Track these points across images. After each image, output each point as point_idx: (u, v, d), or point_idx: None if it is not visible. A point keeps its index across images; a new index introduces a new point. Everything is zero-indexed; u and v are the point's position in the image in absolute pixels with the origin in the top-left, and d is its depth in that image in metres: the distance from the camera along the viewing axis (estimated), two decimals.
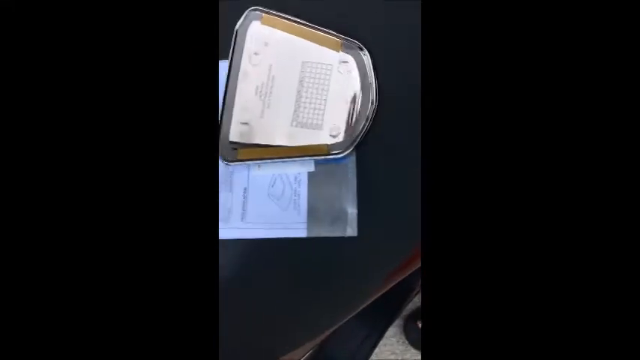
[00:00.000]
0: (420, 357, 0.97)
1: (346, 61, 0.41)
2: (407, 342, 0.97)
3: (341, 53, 0.41)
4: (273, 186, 0.41)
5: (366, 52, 0.41)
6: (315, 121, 0.41)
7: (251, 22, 0.42)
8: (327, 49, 0.41)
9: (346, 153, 0.39)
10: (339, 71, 0.41)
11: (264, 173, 0.41)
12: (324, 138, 0.40)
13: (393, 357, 0.99)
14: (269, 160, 0.40)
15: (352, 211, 0.39)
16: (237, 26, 0.42)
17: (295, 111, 0.41)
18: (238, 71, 0.42)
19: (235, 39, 0.42)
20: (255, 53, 0.42)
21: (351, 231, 0.39)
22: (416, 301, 1.03)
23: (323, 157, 0.40)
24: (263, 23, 0.42)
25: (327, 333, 0.39)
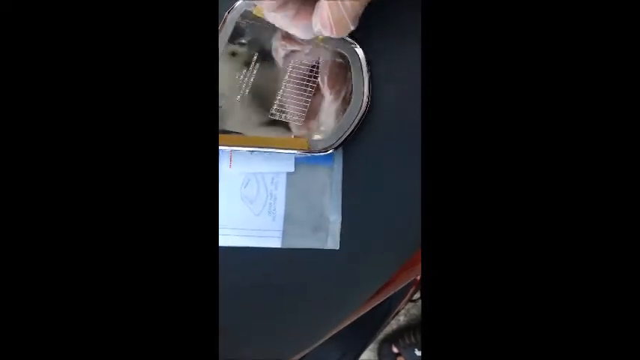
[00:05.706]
0: None
1: (340, 55, 0.37)
2: None
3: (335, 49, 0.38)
4: (245, 187, 0.36)
5: (359, 48, 0.37)
6: (298, 114, 0.36)
7: (243, 9, 0.39)
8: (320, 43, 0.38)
9: (327, 153, 0.34)
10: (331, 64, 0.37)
11: (236, 171, 0.36)
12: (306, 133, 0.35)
13: None
14: (239, 148, 0.35)
15: (335, 218, 0.34)
16: (226, 14, 0.39)
17: (277, 100, 0.37)
18: (222, 49, 0.38)
19: (225, 21, 0.39)
20: (243, 36, 0.39)
21: (333, 243, 0.34)
22: (392, 324, 1.00)
23: (302, 154, 0.35)
24: (256, 13, 0.39)
25: (296, 358, 0.35)
